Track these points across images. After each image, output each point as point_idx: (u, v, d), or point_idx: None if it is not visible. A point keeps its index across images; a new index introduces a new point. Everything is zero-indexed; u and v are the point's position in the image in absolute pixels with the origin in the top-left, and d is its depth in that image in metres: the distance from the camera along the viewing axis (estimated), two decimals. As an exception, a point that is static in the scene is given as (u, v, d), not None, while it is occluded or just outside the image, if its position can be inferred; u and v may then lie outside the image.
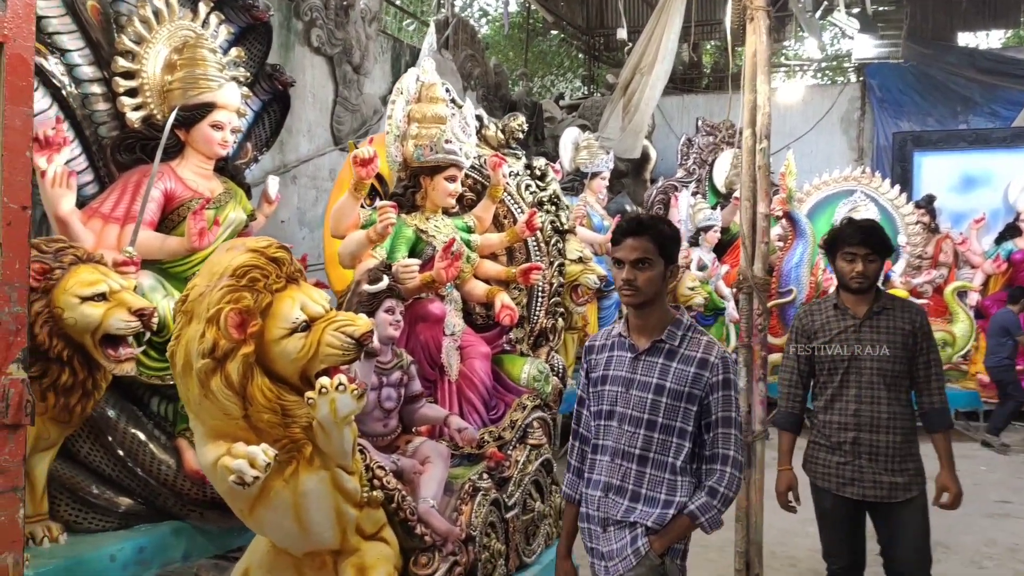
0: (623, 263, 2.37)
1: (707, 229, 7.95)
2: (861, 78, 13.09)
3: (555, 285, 3.92)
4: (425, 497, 2.83)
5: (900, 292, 8.19)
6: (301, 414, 2.26)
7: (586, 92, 14.72)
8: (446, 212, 3.71)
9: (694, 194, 9.02)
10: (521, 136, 3.95)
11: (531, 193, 3.96)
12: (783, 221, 8.50)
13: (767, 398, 3.53)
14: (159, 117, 3.58)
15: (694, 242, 7.88)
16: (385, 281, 2.98)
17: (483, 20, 17.04)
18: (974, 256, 9.37)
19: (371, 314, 2.98)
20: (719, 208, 8.96)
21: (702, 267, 7.49)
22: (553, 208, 4.00)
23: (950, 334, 8.56)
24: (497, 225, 3.93)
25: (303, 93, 7.39)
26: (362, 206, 3.33)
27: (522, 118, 3.96)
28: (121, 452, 3.15)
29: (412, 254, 3.43)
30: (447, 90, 3.65)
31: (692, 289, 6.79)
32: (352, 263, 3.29)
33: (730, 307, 7.52)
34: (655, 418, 2.35)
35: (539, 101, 11.87)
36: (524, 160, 4.02)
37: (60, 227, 3.10)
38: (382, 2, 8.69)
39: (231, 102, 3.64)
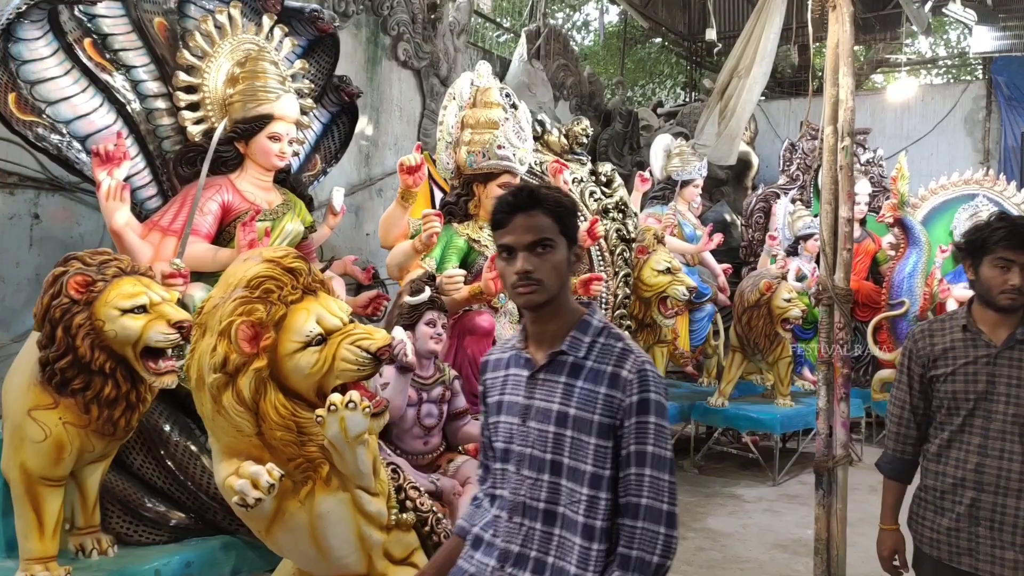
0: (513, 250, 1.73)
1: (807, 238, 7.49)
2: (987, 75, 12.17)
3: (620, 296, 3.72)
4: (463, 520, 2.69)
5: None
6: (317, 432, 2.16)
7: (686, 99, 14.32)
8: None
9: (793, 200, 8.56)
10: (585, 141, 3.79)
11: (596, 200, 3.77)
12: (895, 229, 7.95)
13: (849, 419, 3.22)
14: (220, 131, 3.60)
15: (793, 251, 7.45)
16: (427, 292, 2.87)
17: (583, 31, 16.88)
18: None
19: (412, 327, 2.88)
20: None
21: (801, 278, 7.06)
22: (620, 216, 3.81)
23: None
24: (559, 234, 3.76)
25: (390, 107, 7.44)
26: None
27: (586, 122, 3.80)
28: (172, 465, 3.15)
29: (464, 265, 3.31)
30: (506, 95, 3.52)
31: (789, 301, 6.40)
32: (400, 274, 3.19)
33: None
34: (560, 458, 1.71)
35: (635, 110, 11.60)
36: (589, 166, 3.84)
37: (116, 240, 3.14)
38: (471, 15, 8.68)
39: (289, 114, 3.62)
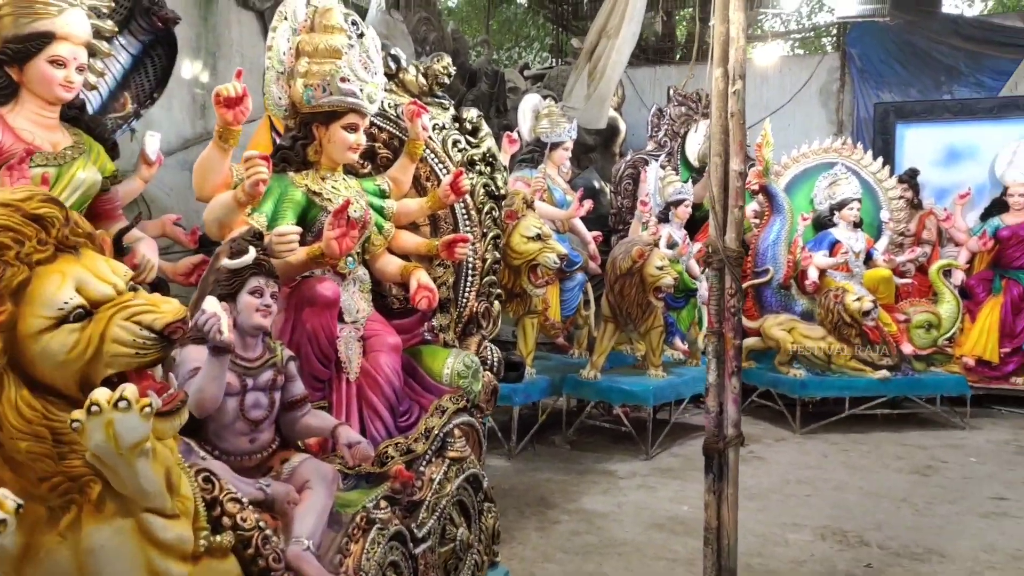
0: None
1: (678, 204, 7.30)
2: (841, 48, 12.49)
3: (489, 261, 3.25)
4: (298, 536, 2.16)
5: (882, 271, 7.62)
6: (80, 440, 1.57)
7: (553, 63, 13.98)
8: (351, 172, 3.03)
9: (663, 167, 8.40)
10: (447, 81, 3.27)
11: (460, 151, 3.27)
12: (759, 196, 7.92)
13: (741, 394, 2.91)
14: (-13, 53, 2.85)
15: (664, 218, 7.24)
16: (251, 254, 2.29)
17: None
18: (959, 233, 8.80)
19: (232, 297, 2.30)
20: (691, 182, 8.34)
21: (672, 245, 6.85)
22: (488, 169, 3.33)
23: (935, 315, 8.02)
24: (419, 189, 3.25)
25: (229, 52, 6.65)
26: None
27: (448, 59, 3.27)
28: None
29: (302, 223, 2.74)
30: (352, 22, 2.94)
31: (661, 268, 6.17)
32: (221, 233, 2.58)
33: (702, 288, 6.91)
34: None
35: (501, 70, 11.14)
36: (452, 111, 3.33)
37: None
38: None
39: (76, 32, 2.90)
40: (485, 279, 3.23)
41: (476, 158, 3.28)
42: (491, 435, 6.09)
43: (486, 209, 3.26)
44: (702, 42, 15.36)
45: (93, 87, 3.30)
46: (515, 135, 6.93)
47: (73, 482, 1.60)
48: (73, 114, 3.09)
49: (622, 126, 10.86)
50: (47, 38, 2.84)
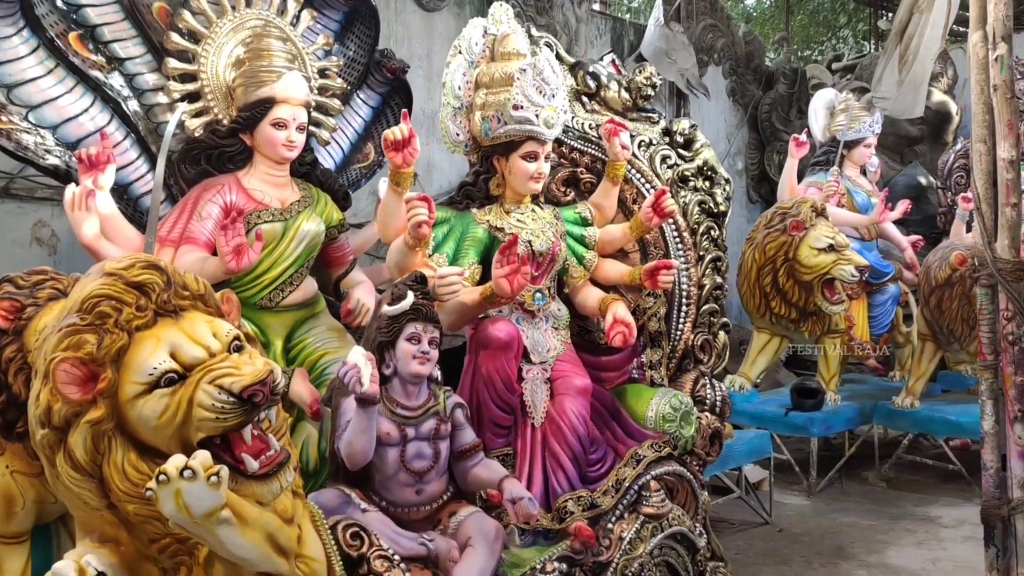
0: None
1: (1013, 196, 6.06)
2: None
3: (708, 287, 2.87)
4: (453, 599, 2.03)
5: None
6: (184, 503, 1.58)
7: (866, 50, 12.54)
8: (551, 201, 2.86)
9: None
10: (652, 93, 2.97)
11: (671, 167, 2.95)
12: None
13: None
14: (225, 122, 3.16)
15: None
16: (409, 299, 2.22)
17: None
18: None
19: (393, 344, 2.24)
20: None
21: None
22: (706, 184, 2.96)
23: None
24: (626, 213, 2.98)
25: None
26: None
27: (651, 69, 2.98)
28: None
29: (487, 260, 2.62)
30: (535, 40, 2.79)
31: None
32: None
33: None
34: None
35: (802, 68, 10.24)
36: (663, 124, 3.02)
37: (92, 256, 2.77)
38: (594, -21, 7.91)
39: (294, 95, 3.09)
40: (704, 307, 2.85)
41: (689, 173, 2.94)
42: (787, 469, 5.50)
43: (702, 229, 2.89)
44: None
45: (326, 142, 3.52)
46: (803, 136, 6.25)
47: (181, 544, 1.62)
48: (305, 170, 3.31)
49: (953, 110, 9.37)
50: (269, 103, 3.07)
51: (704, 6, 9.05)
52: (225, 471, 1.45)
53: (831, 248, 5.33)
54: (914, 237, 6.64)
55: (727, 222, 2.98)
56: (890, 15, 9.12)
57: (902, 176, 8.90)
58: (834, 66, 10.92)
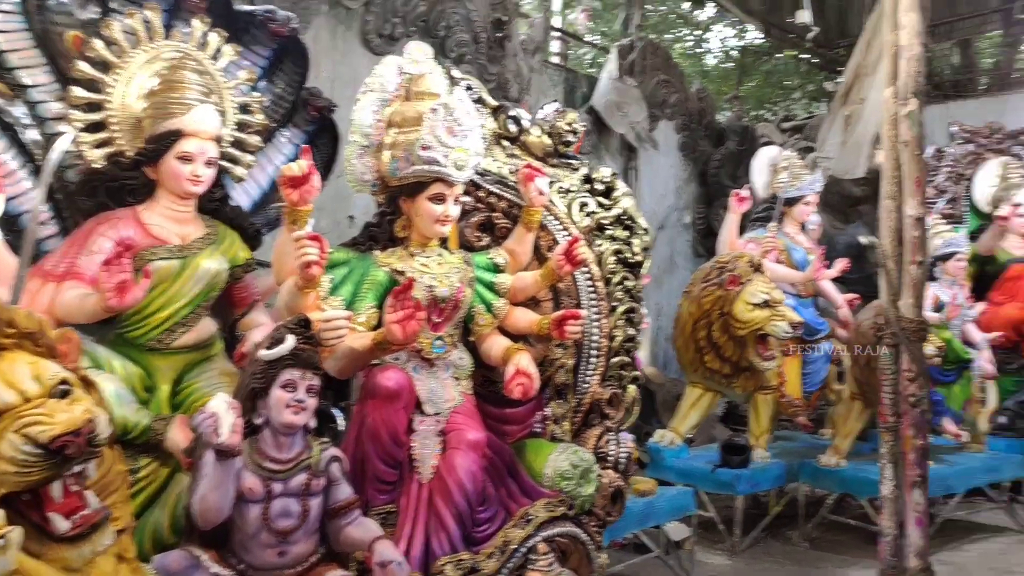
0: None
1: (947, 258, 6.12)
2: None
3: (620, 339, 2.77)
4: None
5: None
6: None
7: (814, 111, 12.83)
8: (465, 246, 2.76)
9: (944, 216, 7.15)
10: (573, 139, 2.91)
11: (588, 214, 2.88)
12: None
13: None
14: (130, 154, 3.03)
15: (929, 275, 6.08)
16: (289, 343, 2.09)
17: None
18: None
19: (266, 391, 2.10)
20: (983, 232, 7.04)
21: (939, 307, 5.71)
22: (625, 233, 2.89)
23: None
24: (541, 261, 2.89)
25: (450, 134, 6.80)
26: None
27: (573, 115, 2.93)
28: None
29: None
30: (453, 80, 2.71)
31: (763, 306, 5.11)
32: (294, 320, 2.42)
33: (983, 358, 5.66)
34: None
35: (752, 126, 10.40)
36: (583, 171, 2.95)
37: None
38: (547, 32, 7.95)
39: (204, 128, 2.98)
40: (614, 360, 2.75)
41: (607, 222, 2.87)
42: (711, 527, 5.37)
43: (616, 279, 2.81)
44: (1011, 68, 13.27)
45: (240, 179, 3.39)
46: (745, 192, 6.27)
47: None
48: (213, 206, 3.18)
49: (896, 173, 9.55)
50: (176, 135, 2.95)
51: (658, 62, 9.16)
52: (16, 533, 1.30)
53: (766, 304, 5.27)
54: (851, 296, 6.65)
55: (645, 271, 2.91)
56: (838, 79, 9.31)
57: (843, 235, 8.98)
58: (784, 125, 11.12)
